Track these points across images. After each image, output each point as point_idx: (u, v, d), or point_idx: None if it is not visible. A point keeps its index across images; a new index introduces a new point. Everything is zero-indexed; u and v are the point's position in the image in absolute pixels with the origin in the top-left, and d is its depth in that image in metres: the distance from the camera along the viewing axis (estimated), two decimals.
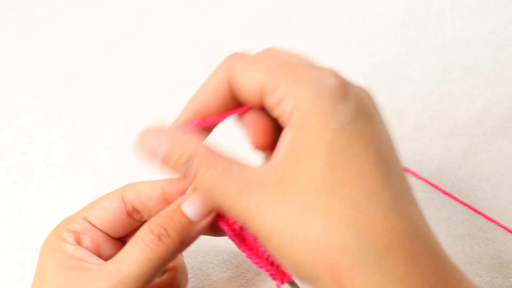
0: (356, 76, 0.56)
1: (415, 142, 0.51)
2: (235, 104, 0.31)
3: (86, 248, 0.34)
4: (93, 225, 0.35)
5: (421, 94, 0.54)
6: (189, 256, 0.46)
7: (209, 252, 0.47)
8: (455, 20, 0.58)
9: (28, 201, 0.51)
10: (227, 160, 0.28)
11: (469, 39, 0.57)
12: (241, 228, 0.32)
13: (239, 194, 0.27)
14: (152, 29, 0.59)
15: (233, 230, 0.32)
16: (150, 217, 0.34)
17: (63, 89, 0.57)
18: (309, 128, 0.26)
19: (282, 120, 0.28)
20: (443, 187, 0.47)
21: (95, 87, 0.57)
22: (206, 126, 0.31)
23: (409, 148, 0.50)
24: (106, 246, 0.35)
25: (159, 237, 0.31)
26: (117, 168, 0.52)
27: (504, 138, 0.51)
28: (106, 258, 0.35)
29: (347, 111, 0.26)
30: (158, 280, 0.36)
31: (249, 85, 0.29)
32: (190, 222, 0.32)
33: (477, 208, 0.47)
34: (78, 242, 0.34)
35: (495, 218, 0.46)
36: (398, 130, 0.52)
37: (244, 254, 0.32)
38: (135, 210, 0.35)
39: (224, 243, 0.46)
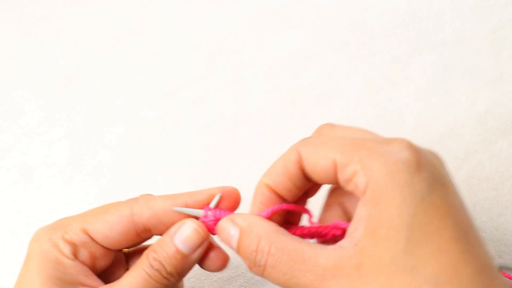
0: (356, 76, 0.56)
1: (415, 142, 0.51)
2: (305, 184, 0.31)
3: (82, 262, 0.34)
4: (93, 239, 0.34)
5: (421, 94, 0.54)
6: None
7: None
8: (455, 20, 0.58)
9: (28, 201, 0.51)
10: (297, 248, 0.28)
11: (469, 39, 0.57)
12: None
13: (318, 282, 0.26)
14: (152, 29, 0.59)
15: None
16: (160, 233, 0.34)
17: (63, 89, 0.56)
18: (386, 203, 0.25)
19: (356, 194, 0.28)
20: None
21: (95, 87, 0.57)
22: (280, 211, 0.31)
23: None
24: (103, 259, 0.35)
25: (159, 271, 0.32)
26: (117, 168, 0.52)
27: (504, 138, 0.51)
28: (100, 270, 0.35)
29: (423, 183, 0.26)
30: None
31: (322, 163, 0.29)
32: (184, 256, 0.32)
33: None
34: (75, 255, 0.33)
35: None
36: (398, 130, 0.52)
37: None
38: (147, 229, 0.34)
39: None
